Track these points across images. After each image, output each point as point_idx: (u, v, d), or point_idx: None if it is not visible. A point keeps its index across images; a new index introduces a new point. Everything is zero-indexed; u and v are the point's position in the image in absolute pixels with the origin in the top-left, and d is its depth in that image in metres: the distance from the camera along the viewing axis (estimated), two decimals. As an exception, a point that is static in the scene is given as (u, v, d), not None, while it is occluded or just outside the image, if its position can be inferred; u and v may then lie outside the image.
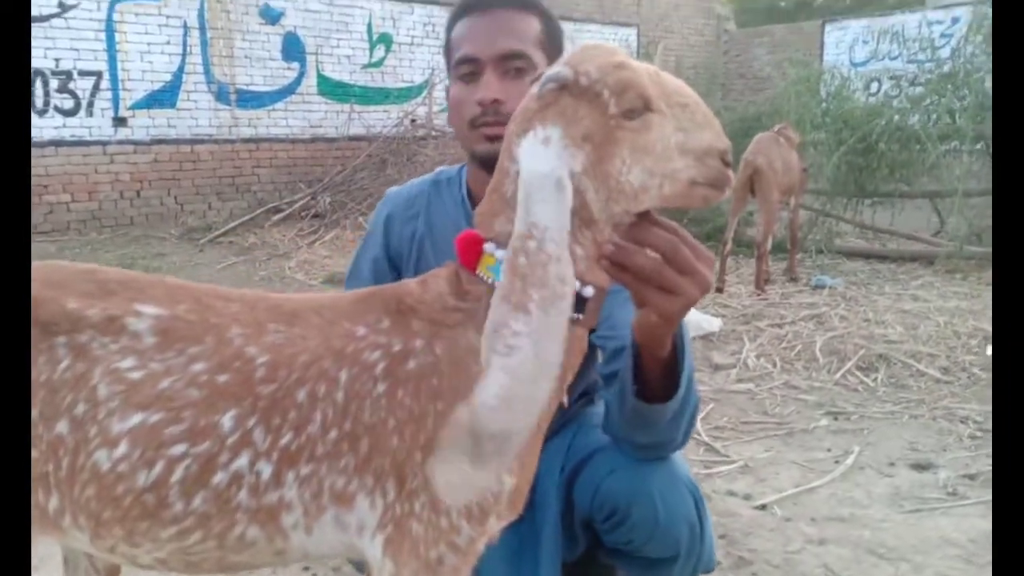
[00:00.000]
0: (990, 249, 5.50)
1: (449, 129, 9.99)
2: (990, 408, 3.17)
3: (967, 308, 4.49)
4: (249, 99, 9.62)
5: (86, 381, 1.00)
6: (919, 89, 6.17)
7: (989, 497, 2.44)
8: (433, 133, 9.97)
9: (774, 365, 3.80)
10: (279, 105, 9.90)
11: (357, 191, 8.98)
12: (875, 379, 3.58)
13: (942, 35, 9.66)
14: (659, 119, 0.97)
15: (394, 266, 1.59)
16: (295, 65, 9.91)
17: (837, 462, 2.75)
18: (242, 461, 1.00)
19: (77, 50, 8.25)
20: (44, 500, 1.02)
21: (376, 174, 9.39)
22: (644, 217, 1.02)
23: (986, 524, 2.27)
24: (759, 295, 5.02)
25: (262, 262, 6.76)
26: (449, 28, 1.48)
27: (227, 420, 1.00)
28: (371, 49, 10.54)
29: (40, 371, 1.00)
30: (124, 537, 1.03)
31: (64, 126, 8.22)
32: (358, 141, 10.11)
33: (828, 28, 12.35)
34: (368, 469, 1.01)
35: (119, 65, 8.59)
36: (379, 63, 10.64)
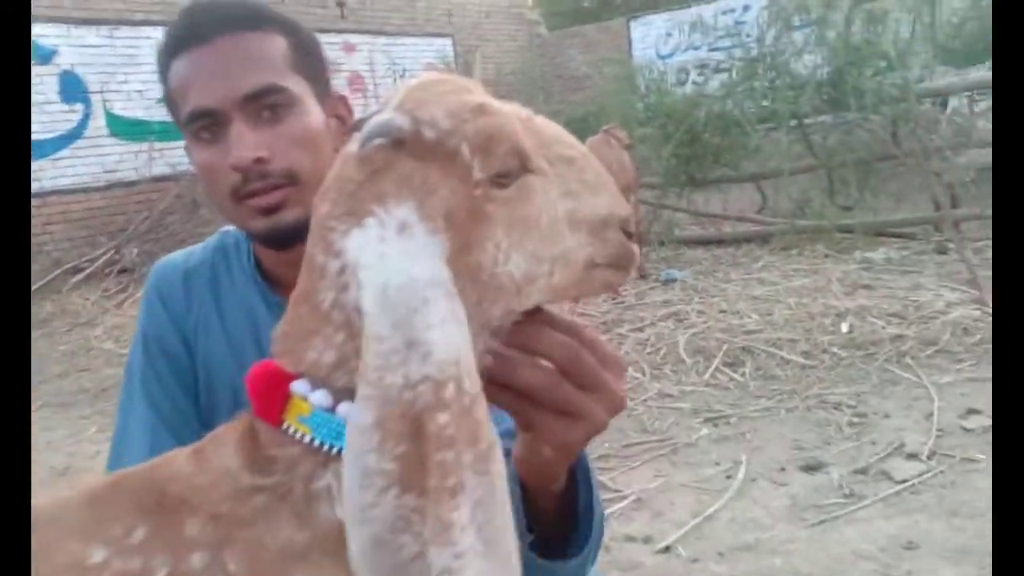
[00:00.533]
0: (817, 222, 5.69)
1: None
2: (857, 390, 3.13)
3: (812, 286, 4.54)
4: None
5: None
6: (725, 76, 6.31)
7: (883, 493, 2.33)
8: (248, 166, 9.28)
9: (643, 373, 3.63)
10: (64, 152, 8.82)
11: (167, 237, 8.14)
12: (743, 373, 3.47)
13: (736, 22, 10.14)
14: (541, 182, 0.65)
15: (185, 344, 1.16)
16: (78, 106, 8.89)
17: (729, 477, 2.56)
18: None
19: None
20: None
21: (188, 216, 8.58)
22: (533, 315, 0.69)
23: (890, 527, 2.15)
24: (614, 298, 4.88)
25: (62, 334, 5.90)
26: (163, 72, 1.05)
27: None
28: (166, 81, 9.65)
29: None
30: None
31: None
32: (164, 181, 9.21)
33: (633, 24, 12.74)
34: None
35: None
36: (178, 95, 9.78)
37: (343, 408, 0.63)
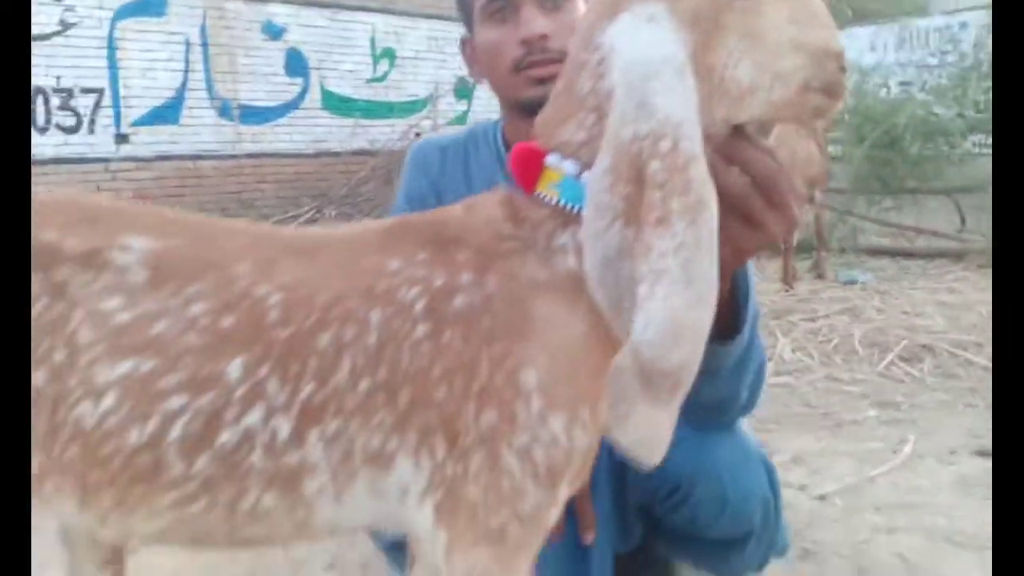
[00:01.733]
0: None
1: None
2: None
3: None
4: (252, 114, 9.51)
5: (65, 324, 0.82)
6: (942, 81, 6.00)
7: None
8: (439, 146, 9.87)
9: (812, 358, 3.59)
10: (283, 120, 9.80)
11: (363, 203, 8.84)
12: (921, 369, 3.36)
13: (950, 40, 9.55)
14: (774, 4, 0.80)
15: (439, 203, 1.41)
16: (298, 80, 9.83)
17: (894, 452, 2.53)
18: (254, 417, 0.81)
19: (78, 67, 8.15)
20: None
21: (381, 187, 9.24)
22: (739, 133, 0.84)
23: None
24: (787, 291, 4.82)
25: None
26: None
27: (234, 369, 0.81)
28: (374, 63, 10.46)
29: None
30: (116, 505, 0.83)
31: (65, 143, 8.10)
32: (363, 155, 9.99)
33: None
34: (410, 425, 0.82)
35: (121, 82, 8.49)
36: (383, 77, 10.57)
37: (586, 176, 0.81)
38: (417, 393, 0.81)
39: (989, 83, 5.71)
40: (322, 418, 0.81)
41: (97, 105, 8.35)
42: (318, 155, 10.05)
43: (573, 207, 0.83)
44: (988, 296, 4.43)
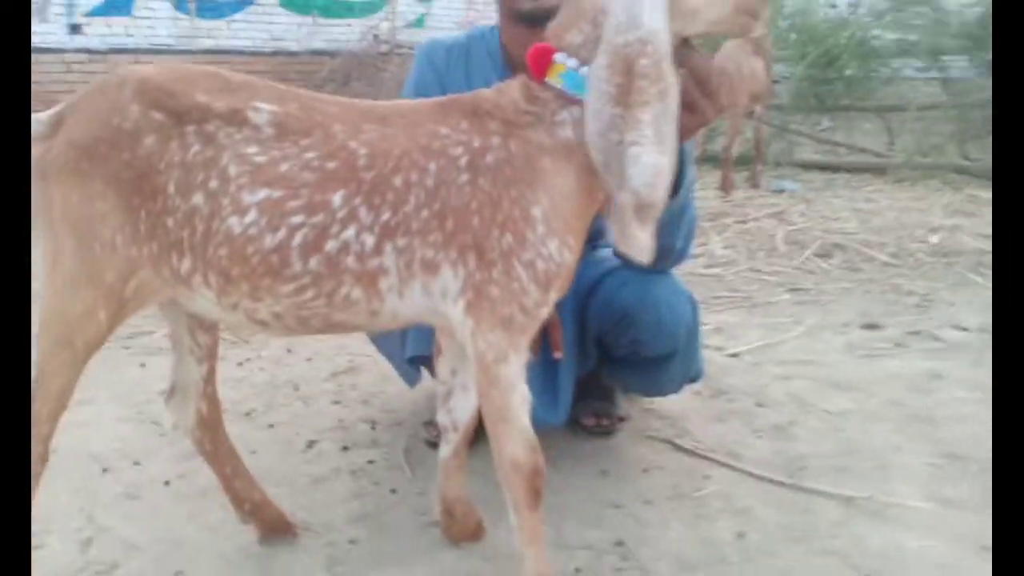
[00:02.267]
0: (939, 160, 5.85)
1: (413, 47, 9.95)
2: (931, 286, 3.50)
3: (915, 207, 4.83)
4: (209, 9, 9.38)
5: (216, 162, 1.17)
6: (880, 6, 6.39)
7: (932, 346, 2.76)
8: (397, 49, 9.91)
9: (739, 254, 4.08)
10: (239, 16, 9.67)
11: (323, 105, 8.94)
12: (831, 263, 3.88)
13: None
14: None
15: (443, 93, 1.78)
16: (255, -26, 9.67)
17: (798, 324, 3.04)
18: (350, 232, 1.18)
19: (28, -48, 7.92)
20: (177, 262, 1.19)
21: (342, 88, 9.31)
22: (687, 44, 1.22)
23: (925, 365, 2.59)
24: (724, 198, 5.29)
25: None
26: None
27: (337, 198, 1.18)
28: (333, -40, 10.30)
29: (173, 154, 1.16)
30: (248, 292, 1.21)
31: (17, 31, 7.95)
32: (320, 56, 9.98)
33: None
34: (453, 243, 1.21)
35: (72, -30, 8.30)
36: (341, -24, 10.42)
37: (584, 69, 1.19)
38: (459, 221, 1.20)
39: (925, 8, 6.12)
40: (395, 235, 1.20)
41: (48, -6, 8.18)
42: (275, 54, 9.99)
43: (572, 92, 1.22)
44: (899, 204, 4.98)
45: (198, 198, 1.17)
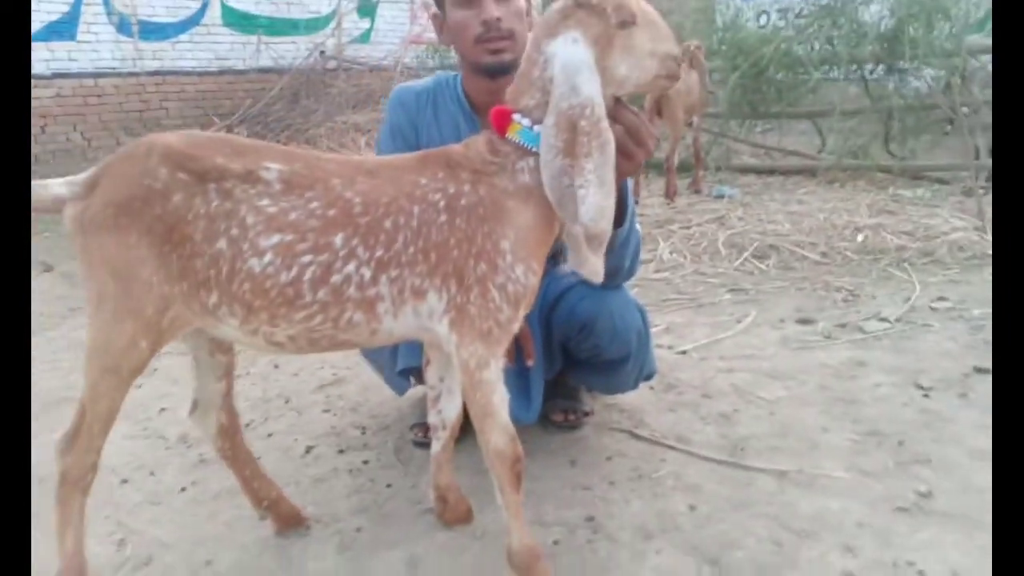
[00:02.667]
0: (863, 163, 6.29)
1: (360, 63, 10.12)
2: (857, 281, 3.85)
3: (843, 207, 5.21)
4: (152, 31, 9.43)
5: (236, 214, 1.37)
6: (803, 21, 6.81)
7: (856, 337, 3.09)
8: (344, 65, 10.07)
9: (685, 258, 4.39)
10: (184, 37, 9.74)
11: (274, 123, 9.04)
12: (767, 264, 4.21)
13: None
14: (639, 31, 1.43)
15: (415, 134, 2.00)
16: (198, -4, 9.73)
17: (739, 322, 3.34)
18: (350, 267, 1.41)
19: (-33, -23, 7.87)
20: (206, 297, 1.40)
21: (291, 106, 9.44)
22: (619, 102, 1.48)
23: (850, 354, 2.91)
24: (669, 205, 5.61)
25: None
26: None
27: (338, 240, 1.40)
28: (274, -21, 10.41)
29: (198, 207, 1.36)
30: (267, 320, 1.41)
31: (-41, 58, 7.88)
32: (267, 73, 10.09)
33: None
34: (436, 272, 1.44)
35: (11, -6, 8.25)
36: (284, -7, 10.53)
37: (536, 128, 1.44)
38: (440, 254, 1.43)
39: (842, 19, 6.55)
40: (388, 268, 1.42)
41: (-13, 18, 8.12)
42: (222, 73, 10.08)
43: (528, 145, 1.46)
44: (829, 205, 5.37)
45: (222, 243, 1.37)
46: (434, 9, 1.94)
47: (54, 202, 1.37)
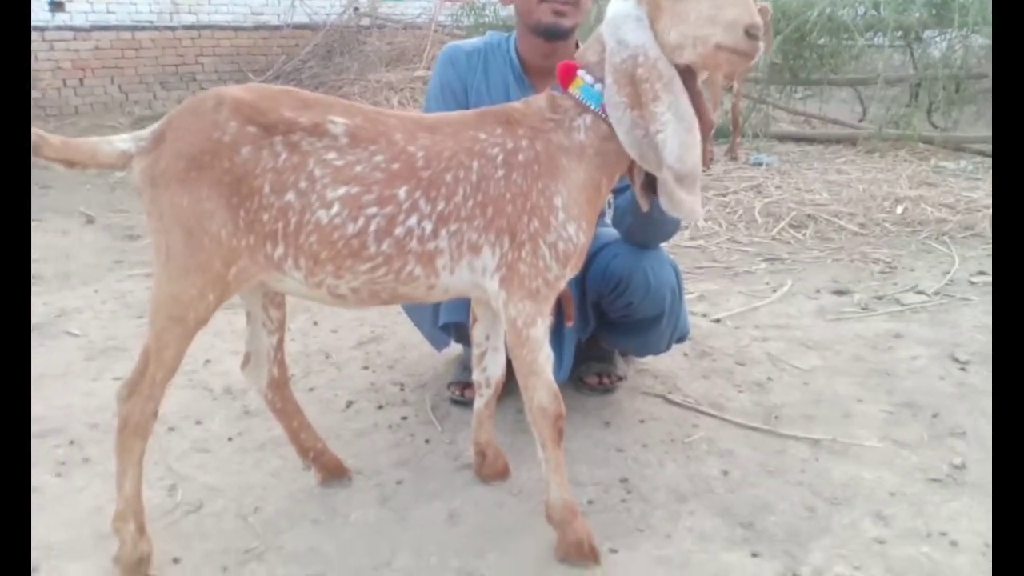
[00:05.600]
0: (905, 132, 6.16)
1: (394, 20, 10.05)
2: (895, 253, 3.81)
3: (883, 178, 5.13)
4: (189, -16, 9.42)
5: (304, 167, 1.40)
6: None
7: (893, 310, 3.07)
8: (378, 22, 10.01)
9: (720, 226, 4.36)
10: (220, -10, 9.73)
11: (308, 80, 9.05)
12: (804, 234, 4.18)
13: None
14: None
15: (464, 92, 2.01)
16: (235, -52, 9.69)
17: (774, 291, 3.34)
18: (413, 220, 1.44)
19: (7, -72, 7.90)
20: (271, 250, 1.43)
21: (325, 63, 9.43)
22: (686, 72, 1.43)
23: (887, 326, 2.90)
24: (705, 171, 5.55)
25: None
26: None
27: (402, 193, 1.43)
28: (314, -67, 10.31)
29: (266, 160, 1.39)
30: (332, 272, 1.45)
31: None
32: (302, 29, 10.06)
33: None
34: (492, 227, 1.47)
35: (53, -52, 8.30)
36: (321, -52, 10.44)
37: (598, 85, 1.44)
38: (496, 208, 1.46)
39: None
40: (448, 222, 1.45)
41: (28, -30, 8.18)
42: (257, 28, 10.06)
43: (587, 102, 1.48)
44: (868, 176, 5.28)
45: (290, 196, 1.40)
46: None
47: (120, 157, 1.41)
